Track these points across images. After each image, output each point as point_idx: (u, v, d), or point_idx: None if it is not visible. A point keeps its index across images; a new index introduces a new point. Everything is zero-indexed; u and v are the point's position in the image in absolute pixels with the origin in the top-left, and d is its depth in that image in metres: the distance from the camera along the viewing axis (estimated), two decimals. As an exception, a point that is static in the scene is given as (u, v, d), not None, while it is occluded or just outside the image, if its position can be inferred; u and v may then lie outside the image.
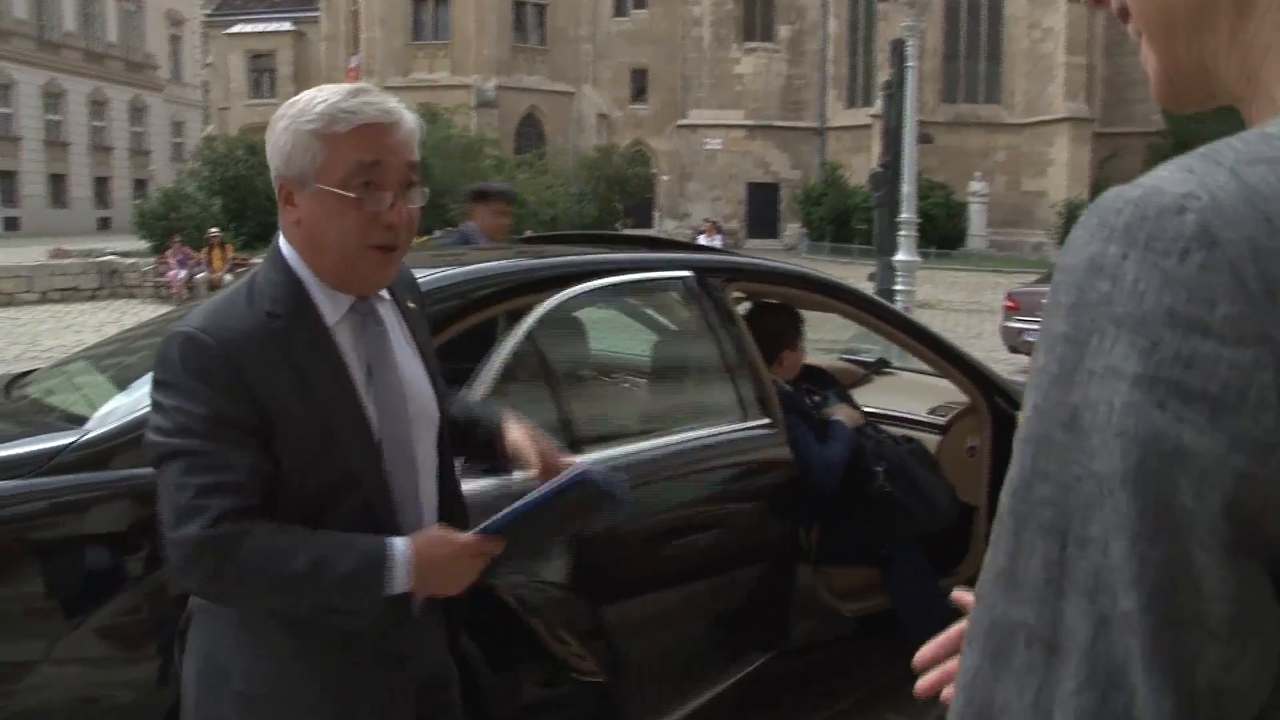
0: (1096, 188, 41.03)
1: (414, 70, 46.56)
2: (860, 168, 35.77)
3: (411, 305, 2.02)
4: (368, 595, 1.77)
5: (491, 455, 2.13)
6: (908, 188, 15.52)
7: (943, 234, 37.42)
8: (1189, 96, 0.67)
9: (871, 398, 4.81)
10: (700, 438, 3.47)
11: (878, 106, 27.85)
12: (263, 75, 53.96)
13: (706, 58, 46.97)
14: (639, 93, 48.89)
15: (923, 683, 1.15)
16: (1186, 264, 0.50)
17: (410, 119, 1.86)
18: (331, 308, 1.84)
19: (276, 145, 1.81)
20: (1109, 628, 0.51)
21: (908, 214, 15.78)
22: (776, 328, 4.13)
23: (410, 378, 1.92)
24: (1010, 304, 14.48)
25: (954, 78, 43.54)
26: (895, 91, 15.42)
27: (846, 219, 40.03)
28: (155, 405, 1.75)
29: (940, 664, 1.09)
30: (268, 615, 1.82)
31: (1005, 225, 41.09)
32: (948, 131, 39.11)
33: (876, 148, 26.23)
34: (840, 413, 4.06)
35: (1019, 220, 41.49)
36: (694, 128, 46.34)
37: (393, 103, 1.84)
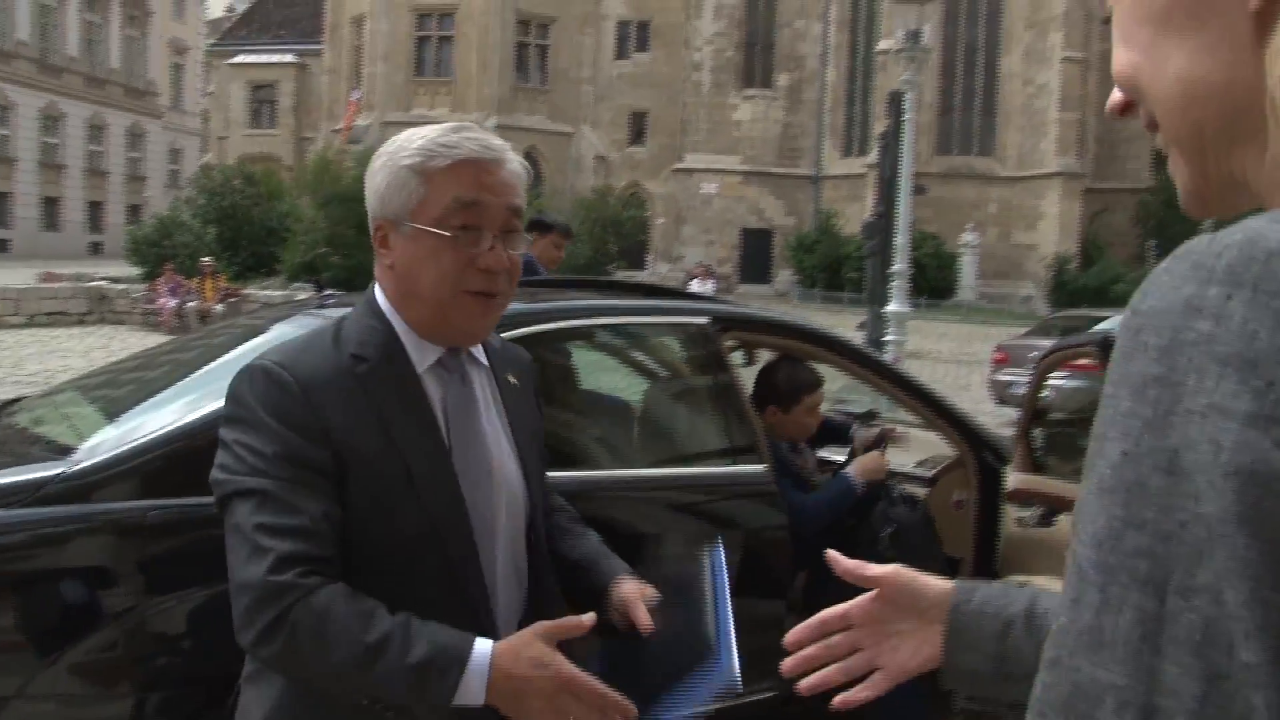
0: (1086, 242, 41.33)
1: (415, 106, 46.79)
2: (854, 216, 35.98)
3: (513, 380, 1.86)
4: (429, 696, 1.52)
5: (596, 603, 1.81)
6: (901, 238, 15.61)
7: (933, 284, 37.59)
8: (1217, 206, 0.69)
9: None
10: (688, 476, 3.49)
11: (873, 156, 28.05)
12: (263, 106, 54.25)
13: (705, 102, 47.31)
14: (637, 135, 49.17)
15: (788, 662, 1.18)
16: None
17: (515, 160, 1.72)
18: (419, 356, 1.71)
19: (372, 185, 1.71)
20: (1224, 684, 0.49)
21: (900, 264, 15.85)
22: (783, 381, 4.06)
23: (496, 453, 1.75)
24: (999, 356, 14.52)
25: (949, 130, 43.90)
26: (891, 142, 15.54)
27: (839, 267, 40.18)
28: (223, 443, 1.62)
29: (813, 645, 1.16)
30: (322, 697, 1.61)
31: (996, 277, 41.30)
32: (941, 183, 39.37)
33: (871, 197, 26.39)
34: (854, 466, 3.96)
35: (1009, 272, 41.70)
36: (690, 172, 46.59)
37: (496, 141, 1.71)
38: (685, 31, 48.54)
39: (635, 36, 49.66)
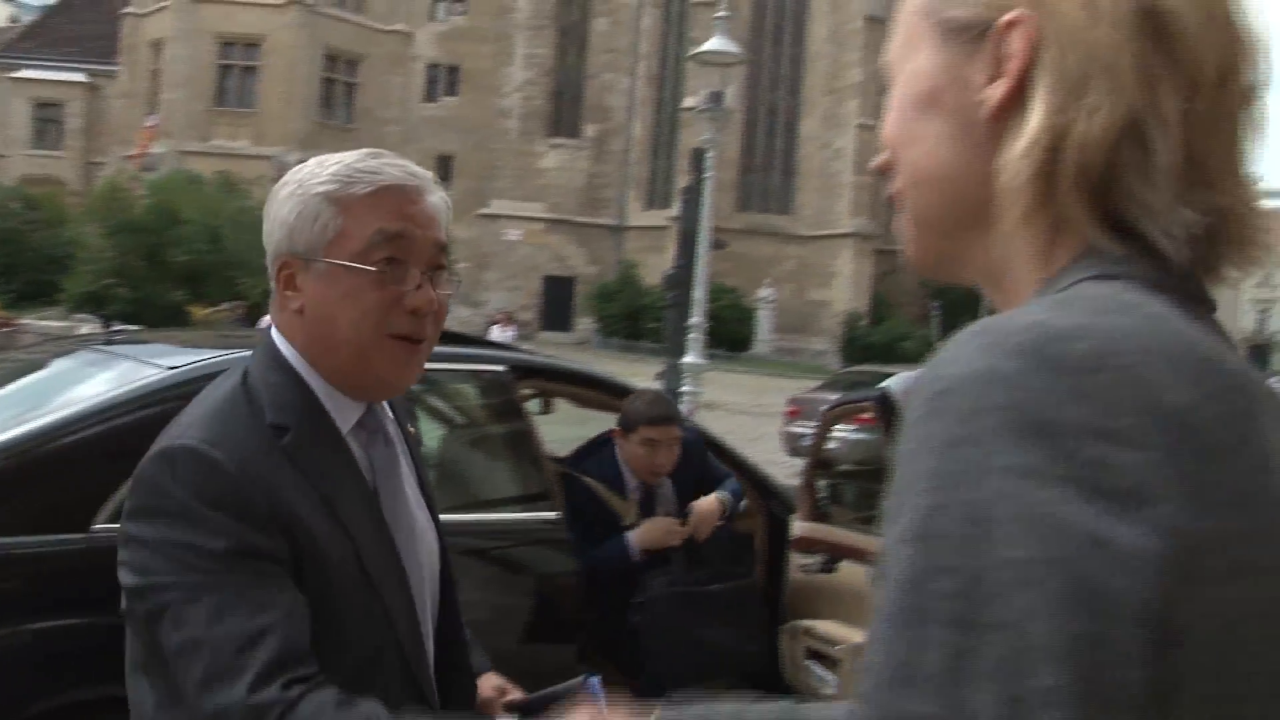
0: (876, 300, 43.16)
1: (214, 137, 45.43)
2: (655, 267, 36.60)
3: (412, 429, 1.68)
4: None
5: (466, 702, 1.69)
6: (699, 291, 15.99)
7: (731, 337, 38.55)
8: (933, 273, 0.81)
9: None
10: (481, 522, 3.52)
11: (676, 209, 28.66)
12: (48, 125, 51.55)
13: (513, 149, 47.53)
14: (443, 178, 48.43)
15: None
16: (1094, 381, 0.58)
17: (439, 191, 1.52)
18: (341, 417, 1.49)
19: (277, 217, 1.47)
20: (1024, 707, 0.55)
21: (697, 317, 16.22)
22: (628, 405, 3.98)
23: (418, 515, 1.58)
24: (792, 409, 14.98)
25: (750, 188, 45.29)
26: (693, 197, 15.94)
27: (639, 317, 40.79)
28: (138, 543, 1.36)
29: None
30: None
31: (790, 331, 42.67)
32: (741, 238, 40.45)
33: (672, 249, 26.93)
34: (636, 531, 3.85)
35: (803, 327, 43.15)
36: (495, 217, 46.63)
37: (418, 168, 1.51)
38: (495, 78, 48.73)
39: (445, 80, 49.58)
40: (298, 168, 1.51)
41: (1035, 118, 0.71)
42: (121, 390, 3.01)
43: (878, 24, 42.30)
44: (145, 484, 1.39)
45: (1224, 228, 0.72)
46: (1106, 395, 0.59)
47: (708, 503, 3.92)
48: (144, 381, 3.05)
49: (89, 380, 3.16)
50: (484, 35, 49.03)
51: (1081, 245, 0.72)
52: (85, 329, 18.43)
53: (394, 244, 1.43)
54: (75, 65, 51.27)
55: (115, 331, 3.67)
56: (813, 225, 44.39)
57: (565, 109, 49.30)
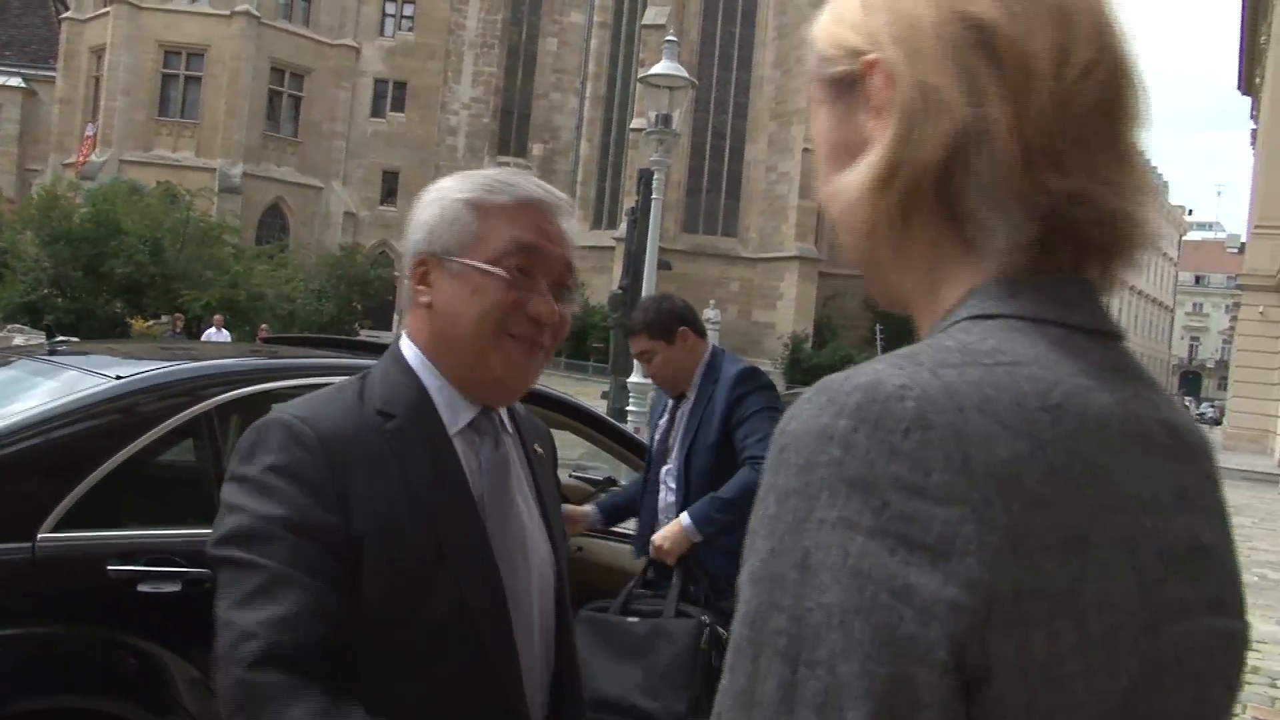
0: (820, 323, 43.54)
1: (156, 146, 44.94)
2: (601, 288, 36.75)
3: (539, 450, 1.73)
4: None
5: None
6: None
7: (677, 357, 38.63)
8: (887, 304, 0.86)
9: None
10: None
11: (622, 230, 28.79)
12: (-17, 132, 50.72)
13: (459, 166, 47.32)
14: (389, 194, 48.73)
15: None
16: (909, 440, 0.63)
17: (574, 215, 1.61)
18: (451, 417, 1.54)
19: (419, 220, 1.56)
20: None
21: (644, 336, 16.26)
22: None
23: (529, 527, 1.60)
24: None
25: (695, 210, 45.56)
26: (639, 218, 16.03)
27: (584, 337, 40.81)
28: (224, 504, 1.42)
29: None
30: None
31: (736, 352, 42.64)
32: (686, 260, 40.75)
33: (618, 270, 27.04)
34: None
35: (748, 349, 43.36)
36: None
37: (557, 191, 1.61)
38: (442, 95, 48.70)
39: (391, 95, 49.44)
40: (442, 179, 1.60)
41: (875, 148, 0.76)
42: (69, 399, 2.99)
43: (824, 50, 42.77)
44: (239, 450, 1.45)
45: (1093, 217, 0.74)
46: (920, 453, 0.63)
47: (668, 528, 3.68)
48: (91, 391, 3.03)
49: (34, 390, 3.14)
50: (432, 52, 48.99)
51: (970, 280, 0.76)
52: (19, 339, 18.10)
53: (526, 254, 1.52)
54: (11, 70, 50.45)
55: (59, 342, 3.63)
56: (758, 248, 44.72)
57: (513, 128, 49.34)
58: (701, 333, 3.93)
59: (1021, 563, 0.63)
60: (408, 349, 1.58)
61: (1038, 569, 0.63)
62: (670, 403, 3.94)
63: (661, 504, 3.86)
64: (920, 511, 0.63)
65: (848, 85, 0.80)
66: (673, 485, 3.84)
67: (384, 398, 1.51)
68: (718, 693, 0.68)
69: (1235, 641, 0.76)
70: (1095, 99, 0.75)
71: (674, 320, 3.86)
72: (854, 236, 0.80)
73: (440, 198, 1.56)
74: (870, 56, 0.78)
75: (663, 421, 3.95)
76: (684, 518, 3.63)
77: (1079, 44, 0.75)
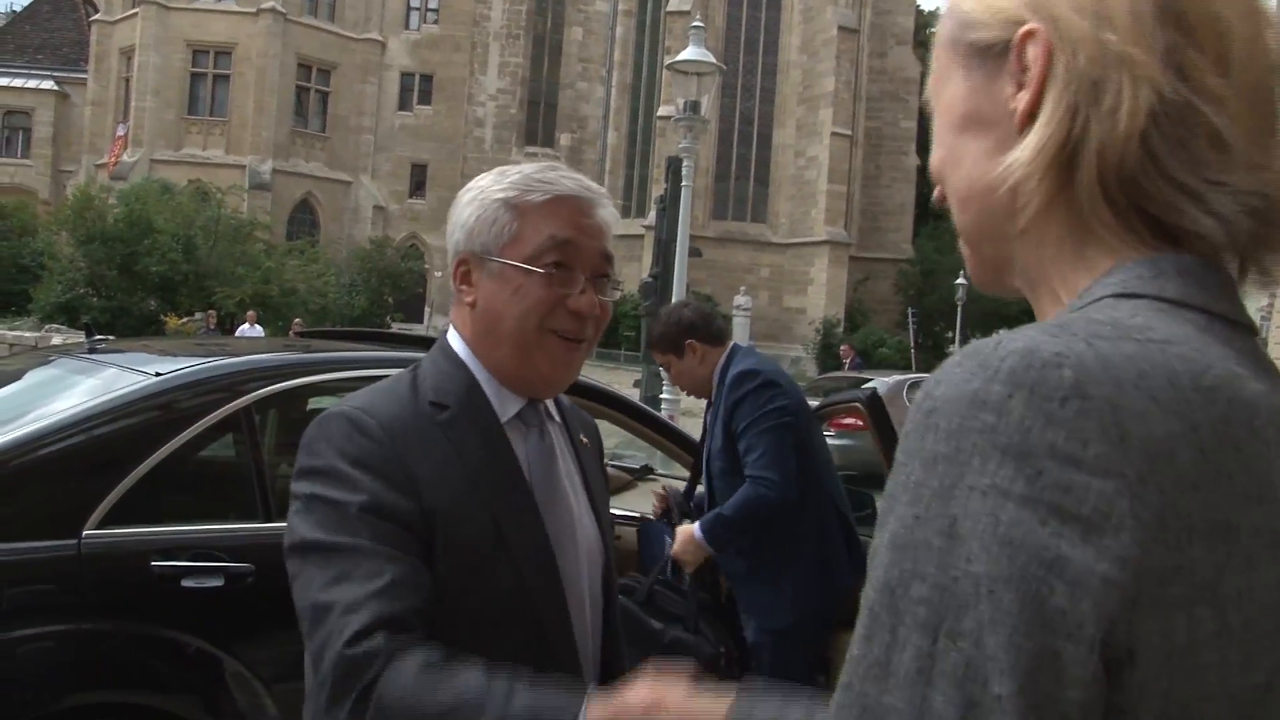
0: (851, 307, 43.34)
1: (186, 145, 45.22)
2: (632, 276, 36.70)
3: (585, 441, 1.78)
4: None
5: None
6: (676, 299, 16.04)
7: (708, 345, 38.58)
8: (994, 288, 0.84)
9: (634, 502, 4.95)
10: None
11: (651, 218, 28.77)
12: (16, 133, 51.11)
13: (487, 158, 47.47)
14: (417, 187, 48.88)
15: None
16: (1066, 409, 0.62)
17: (611, 206, 1.64)
18: (501, 406, 1.59)
19: (458, 220, 1.60)
20: (978, 711, 0.60)
21: (676, 324, 16.24)
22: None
23: (576, 512, 1.64)
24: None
25: (724, 197, 45.42)
26: (669, 206, 15.99)
27: (615, 325, 40.76)
28: (295, 498, 1.47)
29: None
30: None
31: (767, 338, 42.75)
32: (716, 247, 40.64)
33: (648, 258, 27.02)
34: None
35: (779, 335, 43.26)
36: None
37: (592, 183, 1.64)
38: (469, 86, 48.77)
39: (418, 88, 49.54)
40: (480, 176, 1.63)
41: (1044, 122, 0.74)
42: (110, 396, 3.01)
43: (849, 34, 42.55)
44: (304, 446, 1.50)
45: (1271, 211, 0.72)
46: (1078, 423, 0.61)
47: (682, 539, 3.72)
48: (132, 388, 3.05)
49: (75, 388, 3.16)
50: (457, 44, 49.06)
51: (1113, 259, 0.74)
52: (57, 339, 18.28)
53: (563, 250, 1.55)
54: (43, 72, 50.87)
55: (97, 341, 3.66)
56: (788, 233, 44.54)
57: (540, 118, 49.36)
58: (715, 338, 3.91)
59: (1170, 543, 0.62)
60: (455, 342, 1.63)
61: (1184, 552, 0.62)
62: (708, 404, 3.99)
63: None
64: (1076, 482, 0.61)
65: (994, 53, 0.78)
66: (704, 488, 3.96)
67: (436, 389, 1.57)
68: (847, 661, 0.66)
69: None
70: (1274, 80, 0.73)
71: (681, 333, 3.89)
72: (988, 212, 0.79)
73: (478, 197, 1.59)
74: (1029, 26, 0.75)
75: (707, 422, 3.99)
76: (695, 529, 3.68)
77: (1267, 27, 0.74)
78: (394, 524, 1.42)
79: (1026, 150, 0.75)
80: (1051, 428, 0.62)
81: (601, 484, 1.78)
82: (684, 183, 15.34)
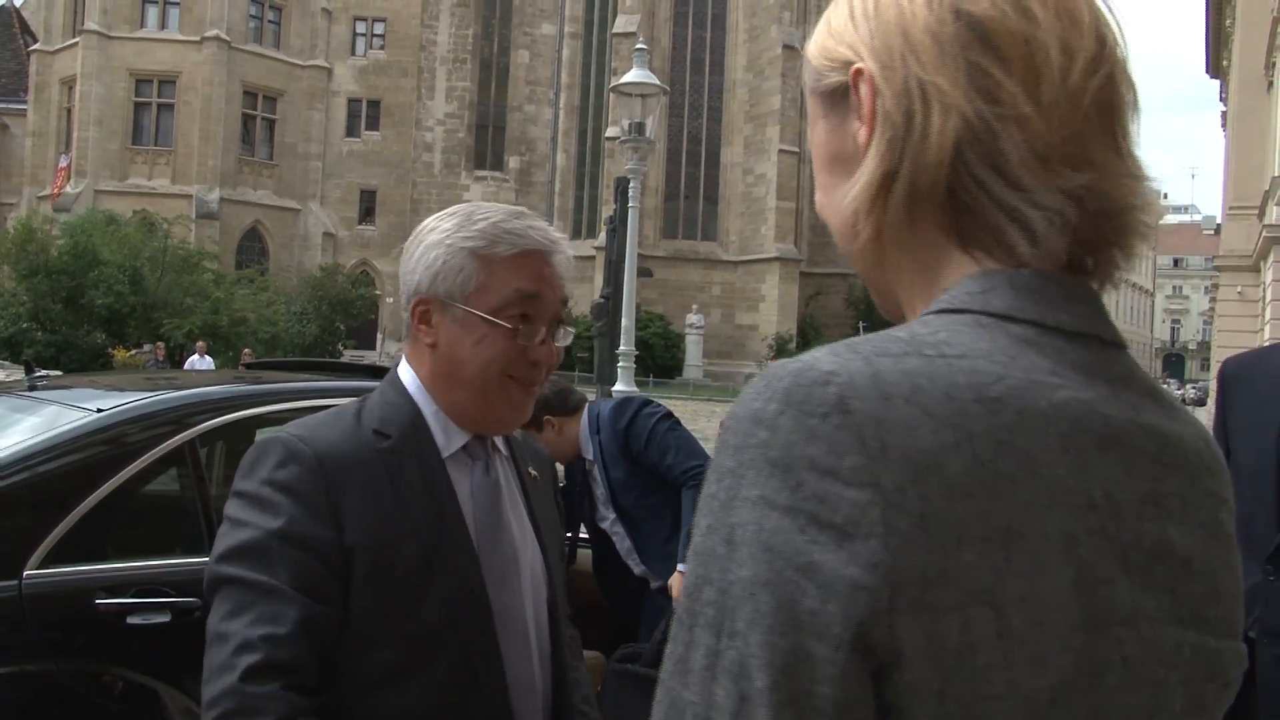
0: (803, 322, 43.62)
1: (132, 175, 44.80)
2: (583, 297, 36.73)
3: (534, 473, 1.79)
4: None
5: None
6: (627, 320, 16.07)
7: (661, 363, 38.73)
8: (892, 313, 0.87)
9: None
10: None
11: (602, 239, 28.82)
12: (-44, 168, 50.38)
13: (437, 183, 47.48)
14: (367, 213, 48.68)
15: None
16: (827, 424, 0.66)
17: (567, 249, 1.69)
18: (445, 440, 1.62)
19: (420, 260, 1.61)
20: (748, 705, 0.65)
21: (626, 346, 16.30)
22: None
23: (521, 545, 1.67)
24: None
25: (674, 216, 45.62)
26: (618, 227, 16.04)
27: (569, 347, 40.62)
28: (226, 517, 1.50)
29: None
30: None
31: (720, 356, 42.94)
32: (667, 266, 40.78)
33: (600, 279, 27.06)
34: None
35: (732, 352, 43.45)
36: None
37: (553, 230, 1.68)
38: (416, 111, 48.69)
39: (366, 114, 49.39)
40: (444, 214, 1.66)
41: (870, 155, 0.78)
42: (50, 434, 2.99)
43: (794, 52, 42.93)
44: (240, 468, 1.54)
45: (1098, 208, 0.76)
46: (837, 436, 0.65)
47: (674, 582, 3.87)
48: (72, 425, 3.03)
49: (14, 426, 3.13)
50: (404, 69, 48.98)
51: (958, 276, 0.77)
52: (0, 375, 17.99)
53: (528, 303, 1.60)
54: (-18, 105, 50.15)
55: (38, 377, 3.63)
56: (738, 251, 44.79)
57: (488, 142, 49.35)
58: (571, 410, 4.14)
59: (934, 549, 0.64)
60: (406, 375, 1.66)
61: (953, 557, 0.65)
62: (578, 470, 4.17)
63: (623, 552, 4.11)
64: (831, 493, 0.65)
65: (840, 96, 0.82)
66: (621, 531, 4.09)
67: (381, 419, 1.60)
68: (663, 659, 0.72)
69: (1214, 661, 0.75)
70: (1098, 92, 0.76)
71: (538, 410, 3.99)
72: (854, 246, 0.82)
73: (444, 242, 1.60)
74: (857, 65, 0.79)
75: (578, 488, 4.17)
76: (680, 568, 3.80)
77: (1083, 38, 0.76)
78: (308, 555, 1.45)
79: (857, 184, 0.79)
80: (813, 442, 0.66)
81: (551, 516, 1.80)
82: (631, 203, 15.39)
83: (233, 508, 1.50)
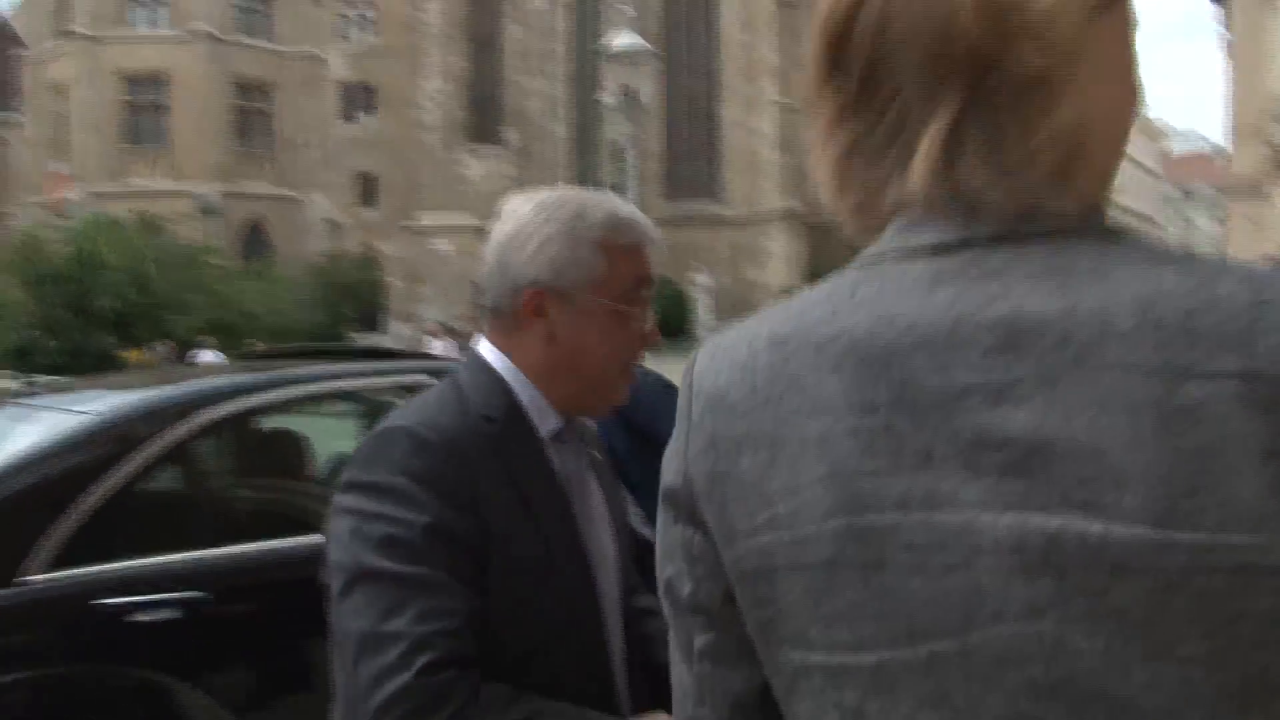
0: (811, 276, 43.45)
1: (129, 175, 44.78)
2: (591, 266, 36.60)
3: (598, 455, 1.76)
4: None
5: None
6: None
7: (671, 325, 38.63)
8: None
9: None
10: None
11: (604, 207, 28.65)
12: (-47, 181, 50.37)
13: (436, 161, 47.26)
14: (368, 198, 48.59)
15: None
16: (685, 379, 0.90)
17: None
18: (540, 423, 1.59)
19: (538, 251, 1.56)
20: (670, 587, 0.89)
21: (635, 310, 16.28)
22: None
23: (601, 525, 1.66)
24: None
25: (677, 178, 45.43)
26: (619, 193, 15.98)
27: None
28: (349, 513, 1.43)
29: None
30: None
31: (730, 315, 42.76)
32: (673, 228, 40.53)
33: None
34: None
35: (742, 309, 42.99)
36: (424, 231, 46.33)
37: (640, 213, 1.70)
38: (411, 92, 48.48)
39: (361, 99, 49.21)
40: (553, 203, 1.60)
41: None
42: (39, 440, 2.97)
43: (788, 8, 42.56)
44: (361, 460, 1.48)
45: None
46: (685, 390, 0.87)
47: None
48: (63, 429, 3.01)
49: (10, 435, 3.12)
50: (397, 51, 48.71)
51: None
52: (14, 385, 18.04)
53: (643, 288, 1.61)
54: (-26, 116, 50.12)
55: (29, 383, 3.62)
56: (743, 208, 44.60)
57: (485, 117, 49.09)
58: None
59: (720, 457, 0.81)
60: (495, 360, 1.60)
61: (735, 461, 0.80)
62: None
63: (635, 520, 4.05)
64: (679, 429, 0.86)
65: None
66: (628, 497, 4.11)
67: (484, 401, 1.55)
68: None
69: (1101, 548, 0.67)
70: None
71: None
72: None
73: (565, 231, 1.56)
74: None
75: None
76: None
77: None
78: (458, 548, 1.41)
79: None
80: (680, 393, 0.88)
81: (619, 501, 1.77)
82: (629, 167, 15.32)
83: (365, 501, 1.42)
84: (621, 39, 15.89)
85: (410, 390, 3.94)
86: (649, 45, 16.08)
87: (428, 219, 46.44)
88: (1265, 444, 0.65)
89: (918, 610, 0.71)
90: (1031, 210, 0.74)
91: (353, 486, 1.46)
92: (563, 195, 1.64)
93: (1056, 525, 0.67)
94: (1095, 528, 0.66)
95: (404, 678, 1.30)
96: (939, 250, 0.76)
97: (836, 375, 0.75)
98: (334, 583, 1.42)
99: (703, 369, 0.84)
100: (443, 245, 46.28)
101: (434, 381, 3.76)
